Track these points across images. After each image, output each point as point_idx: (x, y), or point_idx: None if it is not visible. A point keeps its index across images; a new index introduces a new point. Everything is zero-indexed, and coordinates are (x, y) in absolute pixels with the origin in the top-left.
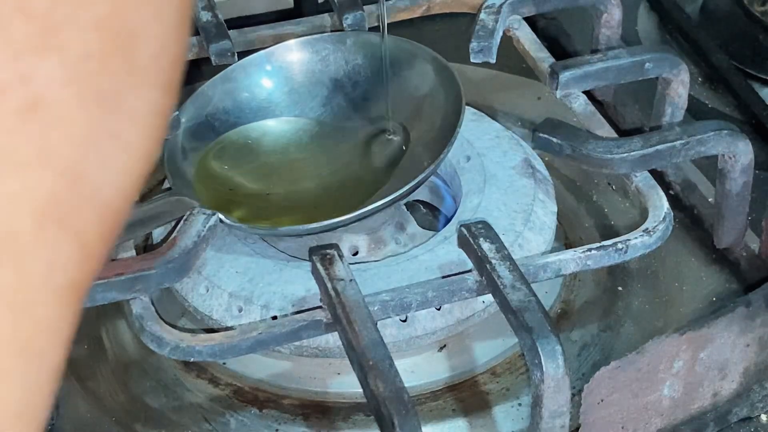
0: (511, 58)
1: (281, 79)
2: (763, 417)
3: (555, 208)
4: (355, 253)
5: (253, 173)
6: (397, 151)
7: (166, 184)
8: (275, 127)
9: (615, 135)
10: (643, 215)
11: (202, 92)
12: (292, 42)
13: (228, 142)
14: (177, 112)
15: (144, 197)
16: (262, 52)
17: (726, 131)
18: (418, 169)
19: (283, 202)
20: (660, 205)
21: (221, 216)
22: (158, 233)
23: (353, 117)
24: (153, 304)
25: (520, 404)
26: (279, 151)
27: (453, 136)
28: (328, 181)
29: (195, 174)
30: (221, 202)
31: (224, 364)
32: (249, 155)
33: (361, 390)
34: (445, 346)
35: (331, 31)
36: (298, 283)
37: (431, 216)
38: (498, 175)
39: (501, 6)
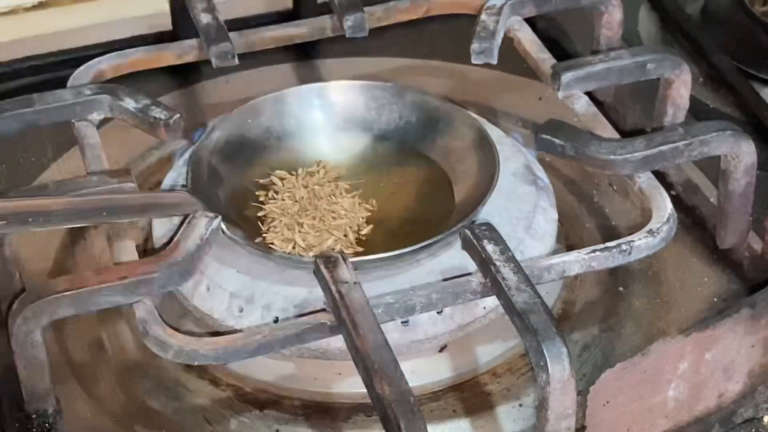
0: (511, 59)
1: (331, 116)
2: (767, 418)
3: (556, 216)
4: None
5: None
6: (424, 209)
7: (176, 181)
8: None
9: (617, 136)
10: (646, 216)
11: (252, 106)
12: (352, 83)
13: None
14: (177, 115)
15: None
16: (320, 84)
17: (729, 132)
18: (435, 228)
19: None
20: (664, 206)
21: (223, 227)
22: (159, 236)
23: (393, 169)
24: (155, 306)
25: (521, 405)
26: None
27: (484, 198)
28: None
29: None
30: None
31: (225, 365)
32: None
33: (362, 390)
34: (445, 346)
35: (332, 32)
36: (299, 284)
37: None
38: (499, 182)
39: (502, 7)
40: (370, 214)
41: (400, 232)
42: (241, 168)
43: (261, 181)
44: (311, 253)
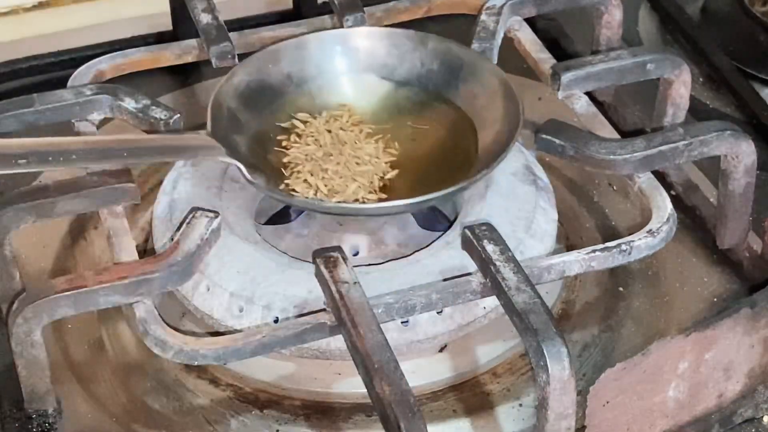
0: (511, 58)
1: (353, 62)
2: (767, 418)
3: (555, 216)
4: (356, 254)
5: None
6: (439, 154)
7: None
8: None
9: (617, 136)
10: (646, 216)
11: (272, 51)
12: (373, 29)
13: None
14: (177, 115)
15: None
16: (341, 30)
17: (729, 132)
18: (459, 175)
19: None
20: (663, 206)
21: (245, 173)
22: (160, 236)
23: (415, 114)
24: (155, 306)
25: (521, 405)
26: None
27: (504, 152)
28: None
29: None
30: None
31: (225, 365)
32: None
33: (362, 390)
34: (445, 346)
35: None
36: (299, 284)
37: (431, 216)
38: (499, 182)
39: (502, 7)
40: (394, 159)
41: (424, 179)
42: (261, 113)
43: (283, 125)
44: (334, 199)
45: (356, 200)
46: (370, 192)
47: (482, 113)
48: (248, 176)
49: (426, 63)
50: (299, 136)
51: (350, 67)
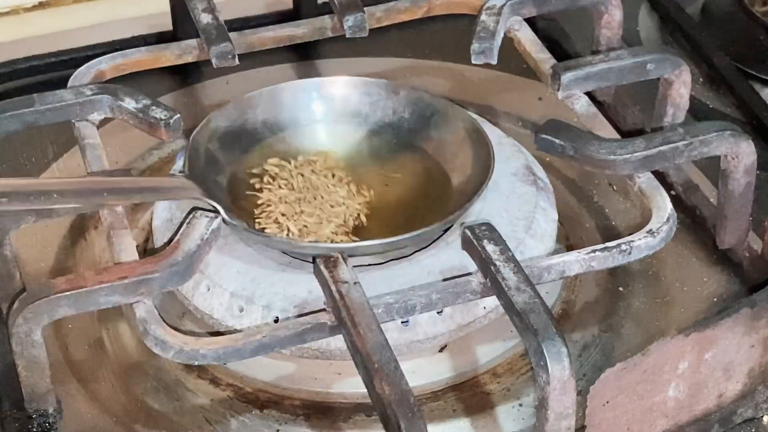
0: (511, 58)
1: (326, 110)
2: (766, 418)
3: (556, 216)
4: None
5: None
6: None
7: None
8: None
9: (617, 136)
10: (646, 216)
11: (248, 98)
12: (347, 78)
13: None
14: (177, 115)
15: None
16: (316, 79)
17: (729, 132)
18: (432, 219)
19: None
20: (663, 206)
21: (223, 214)
22: (159, 236)
23: (389, 161)
24: (155, 306)
25: (521, 405)
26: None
27: (479, 191)
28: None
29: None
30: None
31: (225, 365)
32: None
33: (362, 390)
34: (445, 346)
35: (332, 32)
36: (299, 284)
37: None
38: (499, 182)
39: (502, 7)
40: (367, 201)
41: (398, 222)
42: (238, 158)
43: (254, 170)
44: (307, 239)
45: (331, 241)
46: (344, 233)
47: (454, 159)
48: (226, 217)
49: (398, 111)
50: (272, 179)
51: (324, 113)
